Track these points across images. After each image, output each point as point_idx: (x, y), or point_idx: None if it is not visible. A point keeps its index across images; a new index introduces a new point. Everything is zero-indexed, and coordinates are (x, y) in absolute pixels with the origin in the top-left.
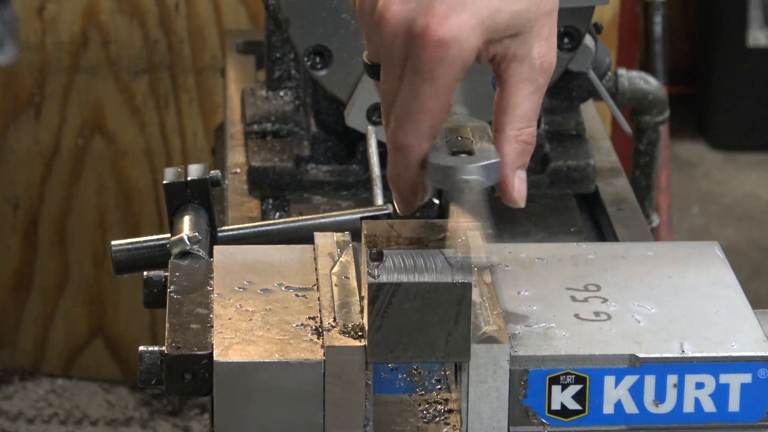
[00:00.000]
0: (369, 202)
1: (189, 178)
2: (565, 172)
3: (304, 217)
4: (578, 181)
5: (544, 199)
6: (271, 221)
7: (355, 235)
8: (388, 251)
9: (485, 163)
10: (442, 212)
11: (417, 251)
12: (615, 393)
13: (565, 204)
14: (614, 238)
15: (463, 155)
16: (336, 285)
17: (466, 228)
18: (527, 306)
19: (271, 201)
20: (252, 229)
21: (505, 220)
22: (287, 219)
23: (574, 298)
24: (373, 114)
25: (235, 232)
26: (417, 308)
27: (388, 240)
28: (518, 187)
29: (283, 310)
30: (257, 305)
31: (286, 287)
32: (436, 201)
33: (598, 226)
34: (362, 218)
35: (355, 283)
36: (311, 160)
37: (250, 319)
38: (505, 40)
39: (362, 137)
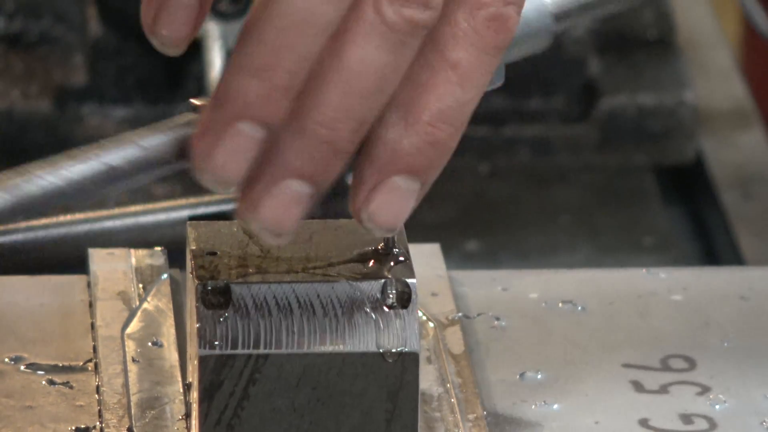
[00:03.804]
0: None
1: None
2: (634, 119)
3: (73, 217)
4: (661, 139)
5: (589, 175)
6: (5, 227)
7: (177, 254)
8: (241, 286)
9: None
10: None
11: (303, 284)
12: None
13: (635, 185)
14: (735, 259)
15: None
16: (135, 360)
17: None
18: (541, 403)
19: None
20: None
21: (505, 218)
22: (37, 222)
23: (639, 386)
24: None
25: None
26: (304, 408)
27: (242, 262)
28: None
29: (24, 415)
30: None
31: (29, 365)
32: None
33: (704, 231)
34: (191, 218)
35: (174, 356)
36: (91, 94)
37: None
38: None
39: (197, 47)
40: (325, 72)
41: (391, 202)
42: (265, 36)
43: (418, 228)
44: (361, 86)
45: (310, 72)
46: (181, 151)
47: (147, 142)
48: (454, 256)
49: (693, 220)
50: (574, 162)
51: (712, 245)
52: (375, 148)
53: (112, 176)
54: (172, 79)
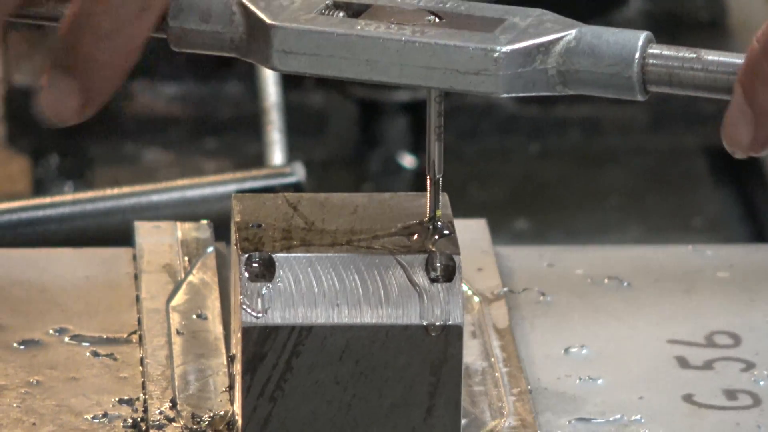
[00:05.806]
0: (257, 159)
1: None
2: (685, 101)
3: (120, 191)
4: (712, 121)
5: (640, 156)
6: (52, 199)
7: (223, 228)
8: (286, 256)
9: None
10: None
11: (347, 257)
12: None
13: (685, 167)
14: None
15: None
16: (179, 333)
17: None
18: (586, 378)
19: (55, 159)
20: (9, 216)
21: (555, 198)
22: (84, 194)
23: (683, 362)
24: None
25: None
26: (347, 381)
27: (286, 234)
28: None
29: (68, 386)
30: (12, 375)
31: (74, 337)
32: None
33: (754, 213)
34: (237, 192)
35: (218, 329)
36: (142, 71)
37: None
38: None
39: None
40: None
41: (47, 90)
42: None
43: (468, 206)
44: None
45: None
46: None
47: None
48: (504, 235)
49: (743, 201)
50: (625, 143)
51: (762, 226)
52: None
53: None
54: (222, 57)
